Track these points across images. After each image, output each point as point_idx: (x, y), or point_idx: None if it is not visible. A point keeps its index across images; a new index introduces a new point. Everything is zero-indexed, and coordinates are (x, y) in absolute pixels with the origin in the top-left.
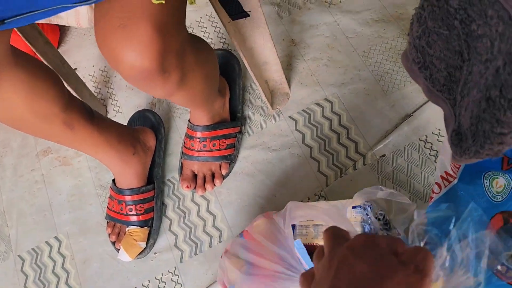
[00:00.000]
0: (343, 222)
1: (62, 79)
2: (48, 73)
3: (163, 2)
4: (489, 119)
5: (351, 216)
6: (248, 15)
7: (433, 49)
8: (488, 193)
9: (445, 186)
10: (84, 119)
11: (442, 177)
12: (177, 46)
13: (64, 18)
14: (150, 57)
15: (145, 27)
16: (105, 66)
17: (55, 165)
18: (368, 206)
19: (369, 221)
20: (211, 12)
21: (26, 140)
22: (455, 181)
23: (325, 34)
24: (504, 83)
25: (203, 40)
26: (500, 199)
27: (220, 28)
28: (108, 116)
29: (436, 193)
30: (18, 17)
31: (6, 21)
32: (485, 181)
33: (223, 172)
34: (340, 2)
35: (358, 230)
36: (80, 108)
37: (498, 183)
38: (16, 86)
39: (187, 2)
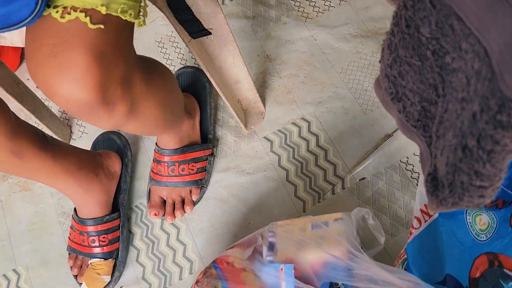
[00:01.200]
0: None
1: (17, 101)
2: None
3: (102, 26)
4: (467, 170)
5: (333, 228)
6: (210, 33)
7: (405, 80)
8: (472, 231)
9: (425, 221)
10: (35, 146)
11: (422, 210)
12: (121, 73)
13: (7, 38)
14: (88, 88)
15: (81, 55)
16: None
17: (15, 190)
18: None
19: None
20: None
21: None
22: (436, 215)
23: (302, 50)
24: (482, 133)
25: (157, 62)
26: (485, 238)
27: (181, 46)
28: (73, 138)
29: (415, 228)
30: None
31: None
32: (467, 217)
33: (194, 197)
34: (317, 16)
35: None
36: (30, 135)
37: (482, 220)
38: None
39: (135, 24)
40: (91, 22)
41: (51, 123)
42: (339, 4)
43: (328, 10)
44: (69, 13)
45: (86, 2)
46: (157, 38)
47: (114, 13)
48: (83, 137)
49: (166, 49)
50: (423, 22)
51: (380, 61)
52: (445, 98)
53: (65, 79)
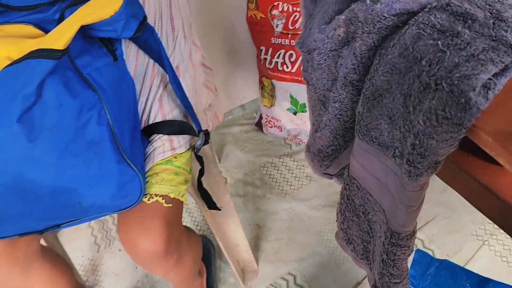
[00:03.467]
0: None
1: None
2: (63, 261)
3: (171, 205)
4: (386, 273)
5: None
6: (220, 209)
7: (352, 230)
8: None
9: None
10: None
11: None
12: (177, 235)
13: None
14: (159, 244)
15: (158, 223)
16: (93, 256)
17: None
18: None
19: None
20: (188, 205)
21: None
22: None
23: (284, 218)
24: (388, 250)
25: (192, 229)
26: None
27: (196, 218)
28: None
29: None
30: (71, 222)
31: (61, 225)
32: None
33: None
34: (293, 192)
35: None
36: None
37: None
38: (41, 275)
39: (183, 203)
40: (165, 203)
41: None
42: (309, 182)
43: (301, 187)
44: (152, 197)
45: (163, 191)
46: None
47: (176, 197)
48: None
49: None
50: (355, 197)
51: (336, 221)
52: (373, 238)
53: (147, 238)
